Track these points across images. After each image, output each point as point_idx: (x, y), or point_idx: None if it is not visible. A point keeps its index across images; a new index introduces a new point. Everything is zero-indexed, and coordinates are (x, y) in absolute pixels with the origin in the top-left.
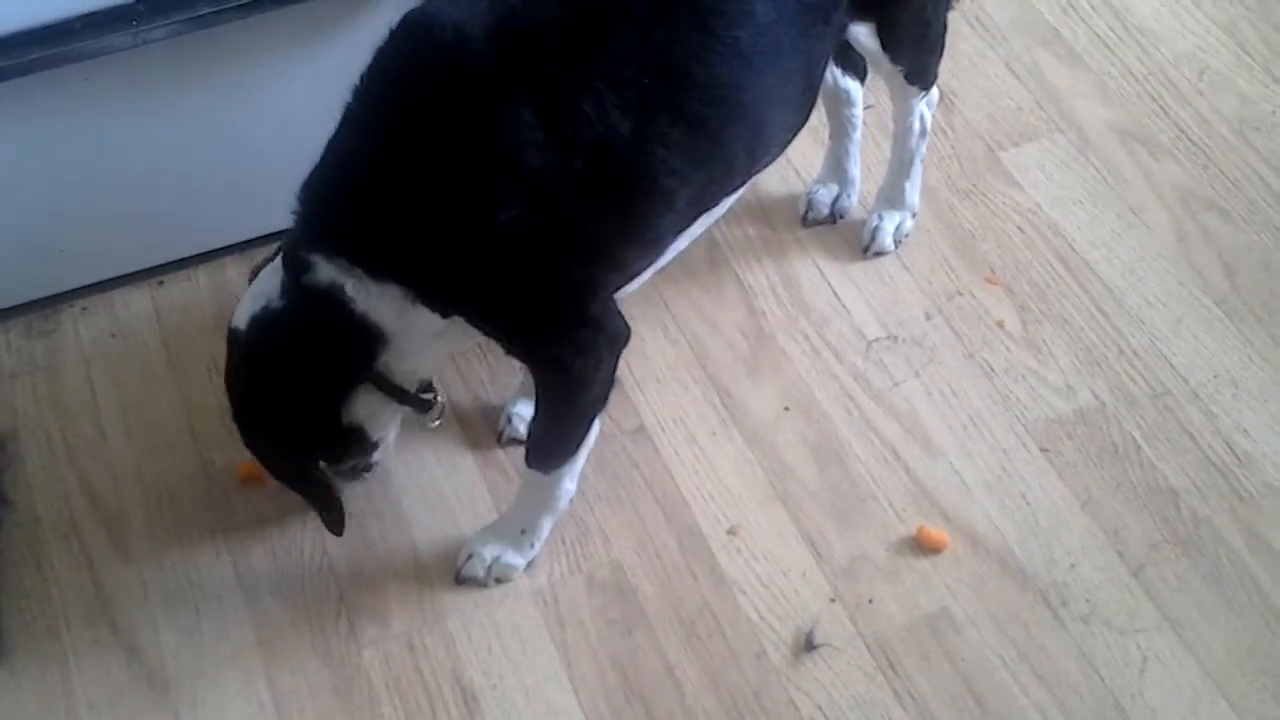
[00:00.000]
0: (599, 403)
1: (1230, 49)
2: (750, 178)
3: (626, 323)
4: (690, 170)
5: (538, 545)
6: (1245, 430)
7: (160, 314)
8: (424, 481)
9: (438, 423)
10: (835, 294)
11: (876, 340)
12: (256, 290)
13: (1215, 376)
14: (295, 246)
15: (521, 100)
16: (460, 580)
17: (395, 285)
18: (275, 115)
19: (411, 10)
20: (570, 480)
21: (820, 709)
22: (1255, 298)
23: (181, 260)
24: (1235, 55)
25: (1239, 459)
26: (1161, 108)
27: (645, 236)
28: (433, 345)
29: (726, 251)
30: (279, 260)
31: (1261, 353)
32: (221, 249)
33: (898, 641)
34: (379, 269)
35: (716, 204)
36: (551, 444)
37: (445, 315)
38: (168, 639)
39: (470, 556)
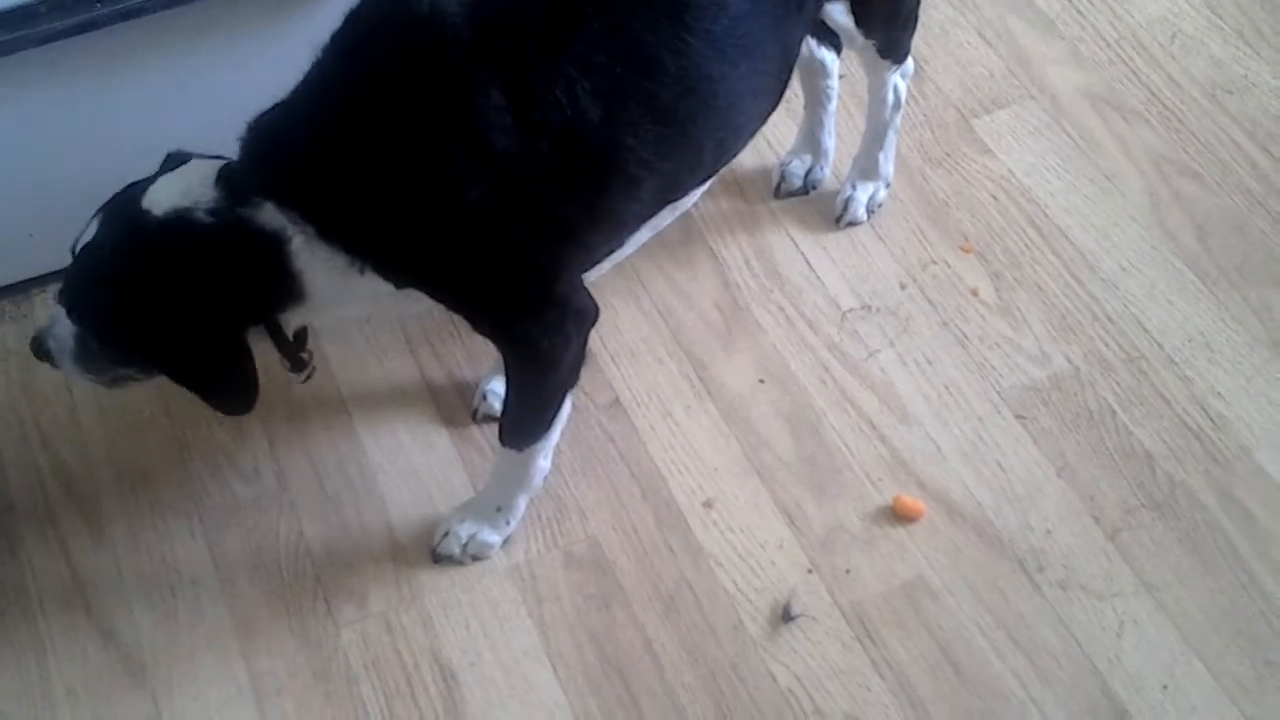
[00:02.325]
0: (569, 381)
1: (1201, 12)
2: (718, 170)
3: (594, 301)
4: (658, 160)
5: (513, 523)
6: (1220, 393)
7: None
8: (399, 460)
9: (304, 381)
10: (809, 265)
11: (851, 310)
12: (185, 186)
13: (1189, 340)
14: (245, 180)
15: (492, 80)
16: (436, 558)
17: (344, 253)
18: (243, 94)
19: None
20: (544, 458)
21: (798, 679)
22: (1229, 261)
23: None
24: (1206, 18)
25: (1214, 422)
26: (1133, 72)
27: (610, 222)
28: (361, 309)
29: (700, 224)
30: (217, 169)
31: (1235, 316)
32: None
33: (875, 611)
34: (332, 232)
35: (683, 195)
36: (523, 422)
37: (399, 286)
38: (143, 622)
39: (446, 534)
